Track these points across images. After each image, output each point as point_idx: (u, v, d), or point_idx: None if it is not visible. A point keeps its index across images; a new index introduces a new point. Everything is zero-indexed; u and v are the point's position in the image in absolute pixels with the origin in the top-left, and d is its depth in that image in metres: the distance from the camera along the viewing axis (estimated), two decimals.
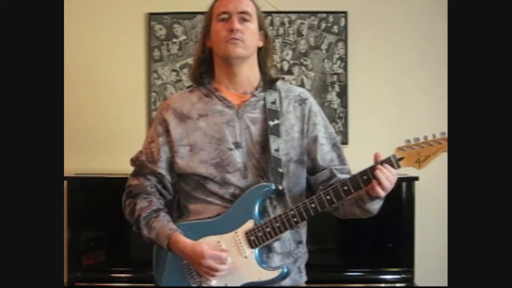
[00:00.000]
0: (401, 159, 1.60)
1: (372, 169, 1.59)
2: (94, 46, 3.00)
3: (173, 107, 1.78)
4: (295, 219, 1.65)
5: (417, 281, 2.70)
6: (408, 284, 2.67)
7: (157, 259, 1.79)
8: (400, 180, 2.75)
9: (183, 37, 2.99)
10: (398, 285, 2.68)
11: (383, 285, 2.69)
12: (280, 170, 1.69)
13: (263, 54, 1.80)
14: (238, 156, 1.71)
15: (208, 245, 1.66)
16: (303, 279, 1.79)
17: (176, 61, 2.99)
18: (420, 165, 1.60)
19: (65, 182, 2.72)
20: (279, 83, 1.82)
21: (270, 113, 1.73)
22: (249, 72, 1.77)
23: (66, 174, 2.56)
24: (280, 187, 1.69)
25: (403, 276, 2.69)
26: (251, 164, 1.71)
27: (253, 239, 1.66)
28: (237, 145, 1.72)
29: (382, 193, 1.59)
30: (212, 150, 1.72)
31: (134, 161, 1.84)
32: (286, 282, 1.70)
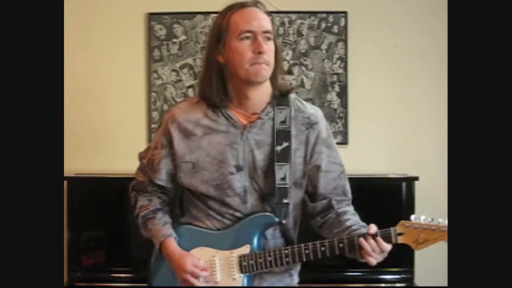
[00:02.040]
0: (401, 234, 1.60)
1: (371, 236, 1.58)
2: (94, 46, 3.00)
3: (179, 120, 1.71)
4: (287, 259, 1.65)
5: (417, 281, 2.70)
6: (408, 284, 2.67)
7: (157, 255, 1.80)
8: (400, 180, 2.78)
9: (183, 37, 2.99)
10: (398, 285, 2.68)
11: (383, 285, 2.69)
12: (286, 201, 1.66)
13: (274, 67, 1.68)
14: (238, 180, 1.68)
15: (192, 259, 1.68)
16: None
17: (176, 61, 2.99)
18: (417, 247, 1.59)
19: (65, 182, 2.72)
20: (292, 97, 1.73)
21: (279, 135, 1.66)
22: (262, 93, 1.68)
23: (66, 174, 2.56)
24: (284, 222, 1.68)
25: (403, 276, 2.69)
26: (252, 187, 1.69)
27: (244, 265, 1.67)
28: (239, 168, 1.68)
29: (373, 262, 1.58)
30: (213, 171, 1.68)
31: (140, 158, 1.85)
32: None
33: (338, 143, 2.88)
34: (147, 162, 1.80)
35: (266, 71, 1.62)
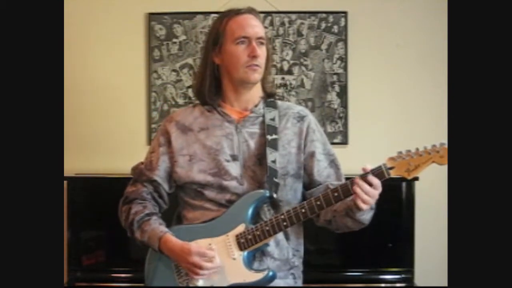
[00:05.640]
0: (391, 168, 1.63)
1: (362, 177, 1.61)
2: (94, 46, 3.00)
3: (176, 119, 1.84)
4: (284, 223, 1.67)
5: (417, 281, 2.70)
6: (408, 284, 2.67)
7: (150, 257, 1.82)
8: (400, 180, 2.78)
9: (183, 37, 2.99)
10: (398, 285, 2.68)
11: (383, 285, 2.69)
12: (276, 180, 1.72)
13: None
14: (234, 168, 1.75)
15: (196, 244, 1.70)
16: (298, 284, 1.80)
17: (176, 61, 3.00)
18: (410, 174, 1.64)
19: (65, 182, 2.72)
20: (279, 102, 1.85)
21: (269, 129, 1.77)
22: (253, 92, 1.82)
23: (66, 174, 2.55)
24: (275, 195, 1.71)
25: (403, 276, 2.69)
26: (247, 175, 1.75)
27: (242, 242, 1.69)
28: (234, 157, 1.76)
29: (363, 206, 1.61)
30: (210, 160, 1.76)
31: (134, 169, 1.89)
32: (281, 285, 1.73)
33: (338, 143, 2.91)
34: (145, 166, 1.84)
35: (259, 73, 1.77)
